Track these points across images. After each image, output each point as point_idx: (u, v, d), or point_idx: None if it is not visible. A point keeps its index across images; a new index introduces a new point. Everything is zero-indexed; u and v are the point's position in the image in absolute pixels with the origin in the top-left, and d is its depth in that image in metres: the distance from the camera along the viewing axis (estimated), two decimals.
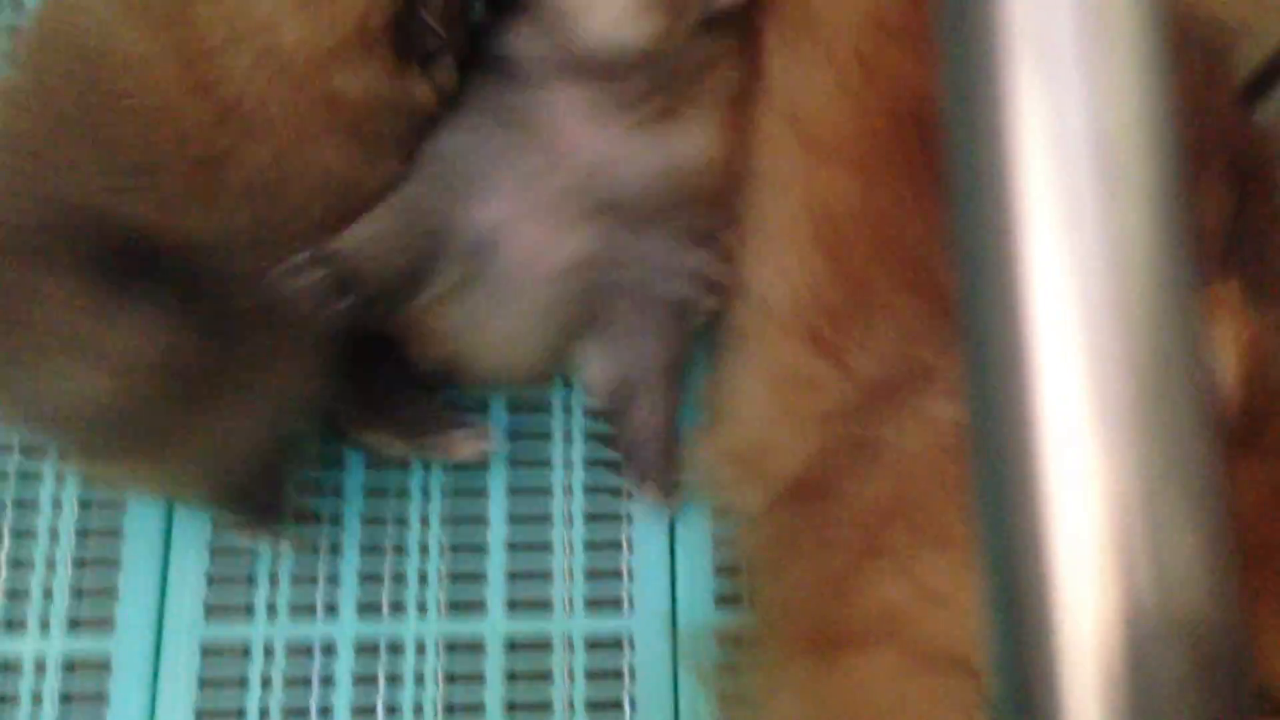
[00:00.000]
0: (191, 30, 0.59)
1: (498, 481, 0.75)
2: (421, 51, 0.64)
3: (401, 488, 0.74)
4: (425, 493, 0.74)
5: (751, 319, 0.68)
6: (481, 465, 0.74)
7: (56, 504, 0.73)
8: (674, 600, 0.73)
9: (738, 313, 0.70)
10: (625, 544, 0.74)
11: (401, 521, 0.74)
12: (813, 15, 0.69)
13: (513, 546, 0.74)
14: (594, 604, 0.73)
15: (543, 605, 0.72)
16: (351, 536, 0.73)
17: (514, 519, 0.74)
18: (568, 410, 0.76)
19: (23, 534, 0.73)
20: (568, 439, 0.76)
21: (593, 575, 0.73)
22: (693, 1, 0.65)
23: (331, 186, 0.63)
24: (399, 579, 0.72)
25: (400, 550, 0.73)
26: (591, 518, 0.75)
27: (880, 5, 0.66)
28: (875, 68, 0.65)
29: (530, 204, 0.66)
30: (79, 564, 0.72)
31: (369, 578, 0.73)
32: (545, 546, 0.74)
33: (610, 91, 0.66)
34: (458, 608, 0.72)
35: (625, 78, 0.65)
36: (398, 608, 0.72)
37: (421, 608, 0.72)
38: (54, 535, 0.73)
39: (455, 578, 0.73)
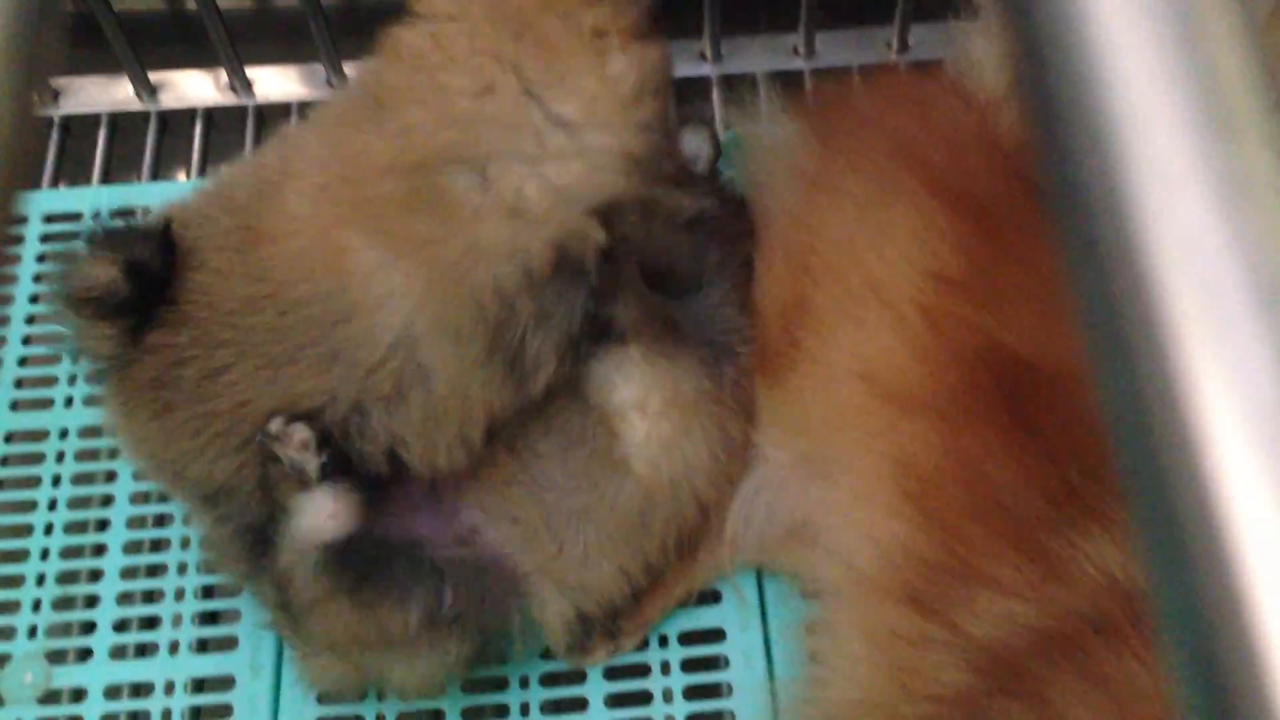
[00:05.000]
0: None
1: None
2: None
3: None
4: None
5: (840, 580, 0.66)
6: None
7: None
8: None
9: (823, 572, 0.68)
10: None
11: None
12: (873, 280, 0.70)
13: None
14: None
15: None
16: None
17: None
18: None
19: None
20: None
21: None
22: None
23: None
24: None
25: None
26: None
27: (939, 261, 0.68)
28: (941, 321, 0.66)
29: None
30: None
31: None
32: None
33: None
34: None
35: None
36: None
37: None
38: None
39: None
